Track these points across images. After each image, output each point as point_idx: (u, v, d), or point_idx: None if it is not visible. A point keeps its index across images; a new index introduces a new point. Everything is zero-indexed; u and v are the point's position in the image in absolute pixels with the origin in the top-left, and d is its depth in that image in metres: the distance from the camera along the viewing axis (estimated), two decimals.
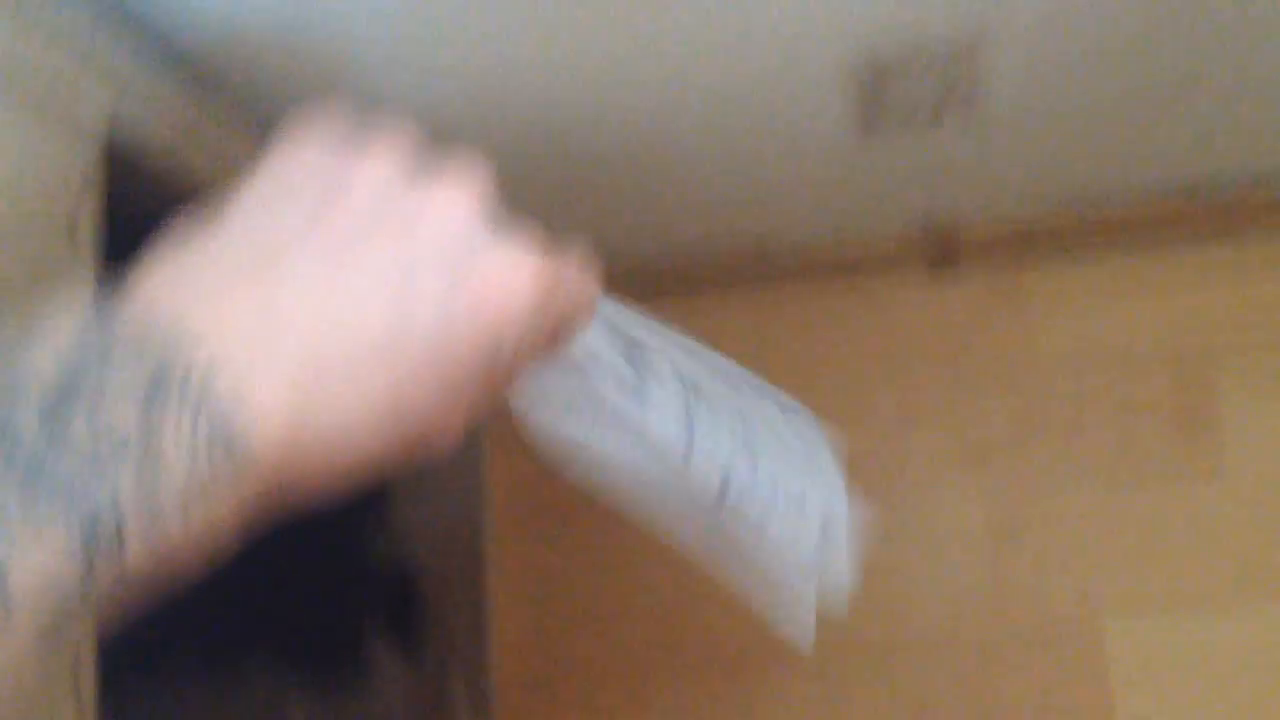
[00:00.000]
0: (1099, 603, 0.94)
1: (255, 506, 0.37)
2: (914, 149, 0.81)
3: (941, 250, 0.97)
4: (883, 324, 1.00)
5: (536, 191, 0.83)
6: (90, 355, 0.34)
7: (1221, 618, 0.92)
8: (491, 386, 0.40)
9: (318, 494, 0.38)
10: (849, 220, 0.94)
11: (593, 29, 0.63)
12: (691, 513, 0.72)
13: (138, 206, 0.61)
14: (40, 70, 0.52)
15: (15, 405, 0.32)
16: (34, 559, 0.31)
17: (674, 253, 0.99)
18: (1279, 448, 0.93)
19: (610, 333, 0.54)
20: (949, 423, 0.98)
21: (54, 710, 0.48)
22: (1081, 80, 0.72)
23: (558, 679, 1.01)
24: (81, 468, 0.32)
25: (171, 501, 0.34)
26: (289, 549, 0.80)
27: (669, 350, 0.73)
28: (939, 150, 0.82)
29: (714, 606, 0.99)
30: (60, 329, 0.34)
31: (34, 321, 0.35)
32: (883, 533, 0.95)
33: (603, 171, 0.81)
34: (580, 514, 1.03)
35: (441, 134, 0.71)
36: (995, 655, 0.95)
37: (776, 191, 0.88)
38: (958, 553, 0.97)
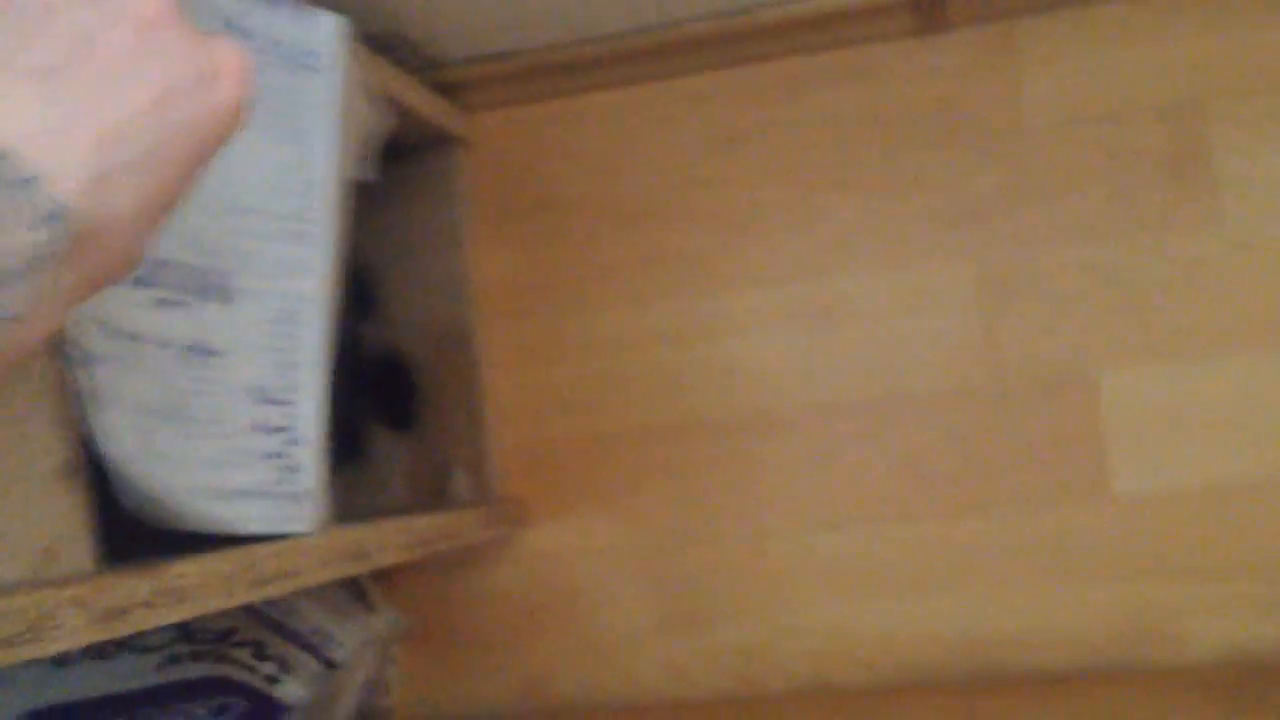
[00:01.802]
0: (1092, 356, 0.94)
1: (88, 279, 0.41)
2: None
3: (928, 6, 0.94)
4: (869, 87, 0.98)
5: None
6: None
7: (1217, 366, 0.92)
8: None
9: (126, 266, 0.43)
10: None
11: None
12: None
13: None
14: None
15: None
16: None
17: (643, 28, 0.96)
18: (1275, 192, 0.92)
19: None
20: (939, 183, 0.97)
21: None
22: None
23: (553, 448, 1.03)
24: None
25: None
26: None
27: None
28: None
29: (703, 378, 1.00)
30: None
31: None
32: (876, 293, 0.95)
33: None
34: (565, 290, 1.03)
35: None
36: (988, 410, 0.95)
37: None
38: (951, 311, 0.96)
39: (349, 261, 0.99)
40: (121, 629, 0.51)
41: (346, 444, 0.99)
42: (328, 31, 0.69)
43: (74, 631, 0.49)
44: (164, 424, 0.62)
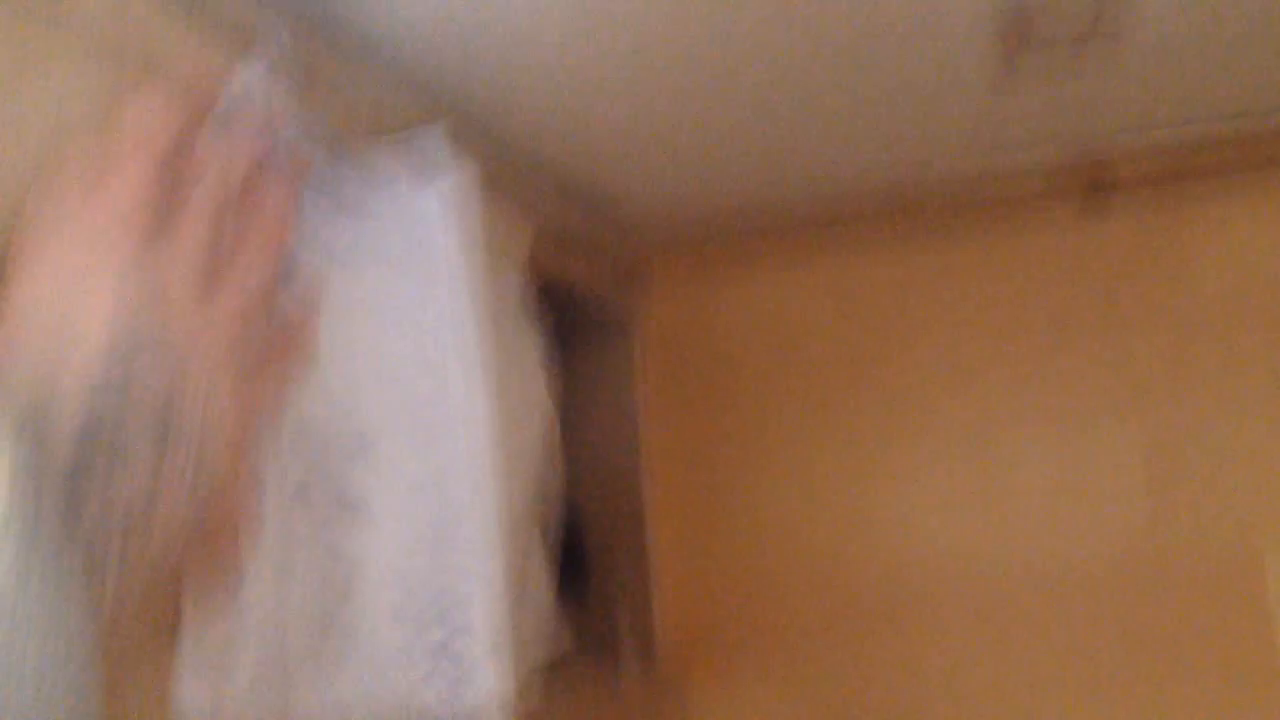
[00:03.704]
0: (1260, 538, 0.93)
1: None
2: (1060, 82, 0.81)
3: (1093, 183, 0.96)
4: (1035, 260, 1.00)
5: (685, 140, 0.85)
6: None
7: None
8: None
9: None
10: (996, 158, 0.94)
11: None
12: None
13: None
14: None
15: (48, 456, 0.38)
16: None
17: (819, 199, 1.00)
18: None
19: None
20: (1104, 358, 0.98)
21: None
22: (1224, 5, 0.71)
23: (718, 620, 1.04)
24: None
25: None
26: None
27: None
28: (1086, 83, 0.81)
29: (868, 553, 1.01)
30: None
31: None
32: (1041, 468, 0.96)
33: (744, 121, 0.83)
34: (734, 465, 1.06)
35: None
36: (1156, 590, 0.94)
37: (921, 132, 0.88)
38: (1116, 488, 0.96)
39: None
40: None
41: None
42: (443, 194, 0.68)
43: None
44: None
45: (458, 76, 0.74)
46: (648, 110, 0.81)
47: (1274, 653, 0.91)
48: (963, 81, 0.79)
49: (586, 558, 1.04)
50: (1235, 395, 0.95)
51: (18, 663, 0.32)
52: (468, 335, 0.68)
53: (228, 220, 0.50)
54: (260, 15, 0.61)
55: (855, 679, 1.00)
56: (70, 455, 0.38)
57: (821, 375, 1.05)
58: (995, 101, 0.83)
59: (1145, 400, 0.97)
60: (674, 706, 1.04)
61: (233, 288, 0.49)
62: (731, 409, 1.06)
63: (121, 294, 0.43)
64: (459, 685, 0.61)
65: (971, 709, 0.97)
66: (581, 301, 0.99)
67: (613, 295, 1.01)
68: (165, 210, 0.47)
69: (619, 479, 1.04)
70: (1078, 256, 0.99)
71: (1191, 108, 0.88)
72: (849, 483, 1.03)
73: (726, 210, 1.02)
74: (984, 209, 0.99)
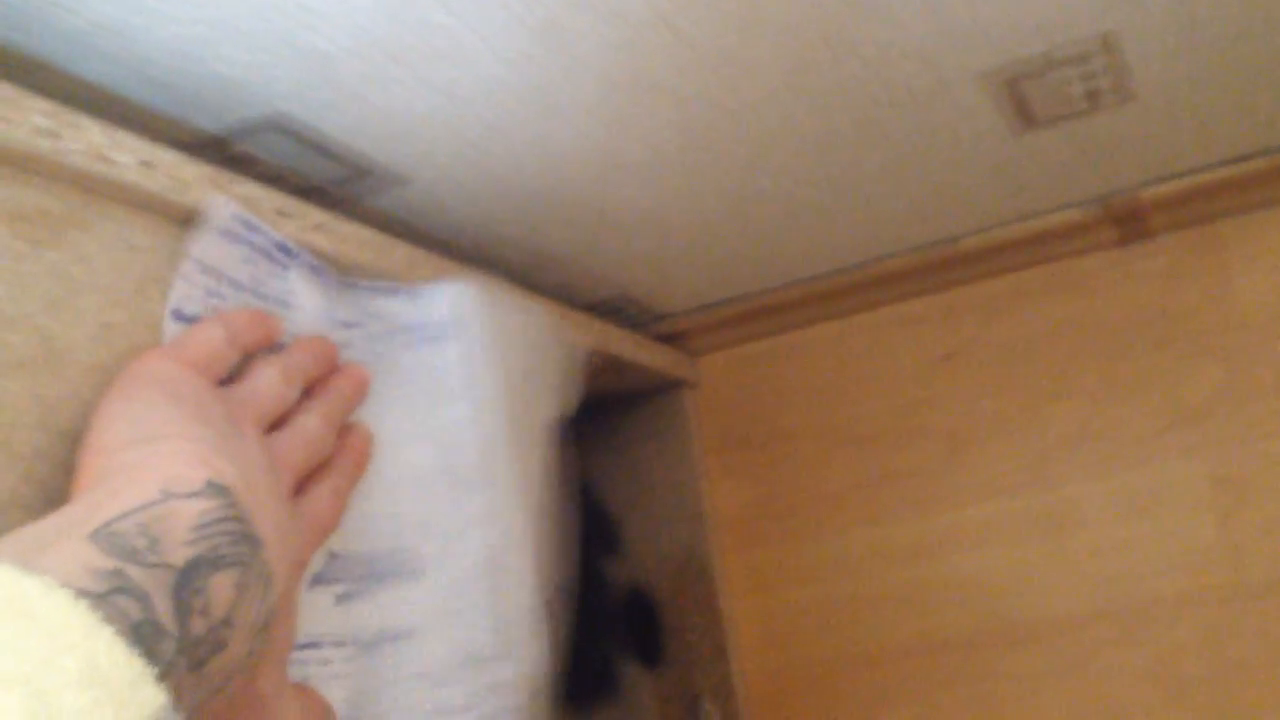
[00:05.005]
0: None
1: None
2: (1077, 135, 0.82)
3: (1128, 219, 0.96)
4: (1078, 297, 1.00)
5: (734, 221, 0.87)
6: (211, 538, 0.43)
7: None
8: None
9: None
10: (1026, 198, 0.94)
11: (751, 73, 0.66)
12: None
13: None
14: None
15: (153, 594, 0.38)
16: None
17: (855, 265, 1.01)
18: None
19: None
20: (1159, 385, 0.98)
21: None
22: (1233, 43, 0.71)
23: (797, 674, 1.05)
24: (187, 674, 0.39)
25: (221, 676, 0.42)
26: None
27: None
28: (1103, 132, 0.82)
29: (940, 591, 1.02)
30: (186, 503, 0.43)
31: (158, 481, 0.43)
32: (1106, 498, 0.96)
33: (776, 201, 0.84)
34: (798, 515, 1.07)
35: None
36: (1238, 610, 0.94)
37: (949, 195, 0.89)
38: (1185, 511, 0.96)
39: (588, 502, 1.06)
40: None
41: (599, 681, 1.05)
42: (452, 301, 0.69)
43: None
44: None
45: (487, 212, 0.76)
46: (677, 214, 0.83)
47: None
48: (981, 138, 0.80)
49: (662, 624, 1.06)
50: None
51: None
52: (498, 434, 0.69)
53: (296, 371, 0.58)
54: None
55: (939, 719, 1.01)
56: (173, 590, 0.40)
57: (875, 422, 1.05)
58: (1018, 157, 0.84)
59: (1204, 422, 0.96)
60: None
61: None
62: (790, 461, 1.08)
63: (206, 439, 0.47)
64: None
65: None
66: (631, 372, 1.01)
67: (659, 364, 1.03)
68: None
69: (686, 540, 1.06)
70: (1121, 285, 0.99)
71: (1211, 143, 0.88)
72: (915, 525, 1.03)
73: (764, 288, 1.04)
74: (1021, 245, 0.99)
